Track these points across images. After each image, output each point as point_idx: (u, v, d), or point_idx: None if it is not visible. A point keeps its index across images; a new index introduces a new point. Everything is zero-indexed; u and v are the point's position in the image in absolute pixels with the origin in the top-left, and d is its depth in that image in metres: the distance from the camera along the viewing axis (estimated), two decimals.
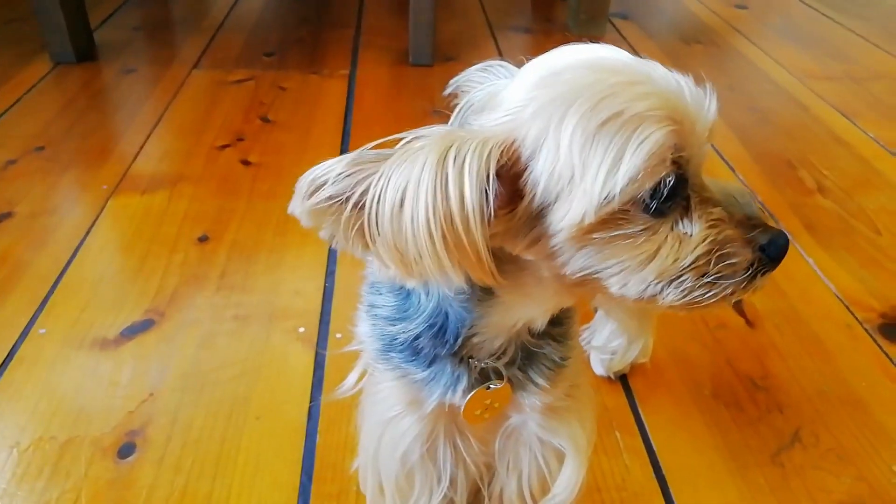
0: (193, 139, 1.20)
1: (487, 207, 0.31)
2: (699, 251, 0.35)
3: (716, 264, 0.35)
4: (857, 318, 0.86)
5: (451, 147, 0.31)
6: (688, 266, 0.35)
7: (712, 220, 0.36)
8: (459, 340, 0.42)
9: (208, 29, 1.69)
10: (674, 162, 0.33)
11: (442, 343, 0.42)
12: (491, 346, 0.43)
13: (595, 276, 0.35)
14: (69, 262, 0.90)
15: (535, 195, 0.33)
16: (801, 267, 0.95)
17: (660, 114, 0.33)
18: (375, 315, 0.45)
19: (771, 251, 0.36)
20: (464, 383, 0.44)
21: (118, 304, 0.83)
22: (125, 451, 0.66)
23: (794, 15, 1.99)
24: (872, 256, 0.98)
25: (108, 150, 1.16)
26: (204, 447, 0.66)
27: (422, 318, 0.42)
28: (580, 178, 0.32)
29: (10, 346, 0.76)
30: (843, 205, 1.09)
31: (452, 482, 0.53)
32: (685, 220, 0.36)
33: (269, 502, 0.62)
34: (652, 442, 0.69)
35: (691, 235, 0.35)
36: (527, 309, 0.41)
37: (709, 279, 0.35)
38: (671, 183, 0.33)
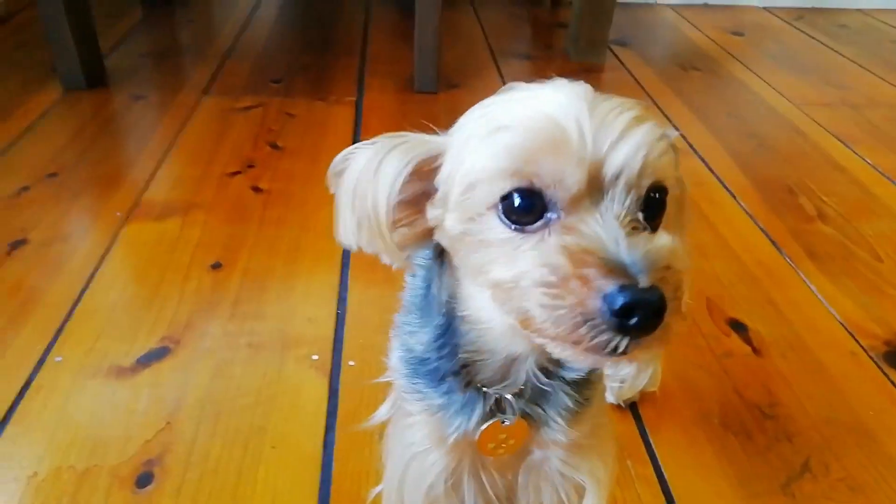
0: (204, 166, 1.22)
1: (393, 194, 0.39)
2: (532, 270, 0.33)
3: (548, 294, 0.32)
4: (861, 346, 0.87)
5: (394, 146, 0.39)
6: (528, 284, 0.33)
7: (562, 246, 0.33)
8: (459, 355, 0.44)
9: (215, 56, 1.71)
10: (529, 180, 0.34)
11: (444, 355, 0.44)
12: (489, 368, 0.44)
13: (478, 279, 0.38)
14: (84, 290, 0.91)
15: (437, 192, 0.40)
16: (805, 294, 0.97)
17: (522, 133, 0.34)
18: (403, 333, 0.48)
19: (618, 310, 0.30)
20: (478, 412, 0.45)
21: (133, 332, 0.84)
22: (143, 480, 0.66)
23: (789, 42, 2.03)
24: (874, 283, 0.99)
25: (121, 177, 1.18)
26: (221, 477, 0.67)
27: (432, 327, 0.45)
28: (454, 177, 0.38)
29: (28, 375, 0.77)
30: (844, 231, 1.11)
31: None
32: (544, 243, 0.34)
33: None
34: (663, 471, 0.70)
35: (535, 255, 0.34)
36: (497, 333, 0.42)
37: (549, 311, 0.33)
38: (521, 198, 0.34)
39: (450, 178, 0.38)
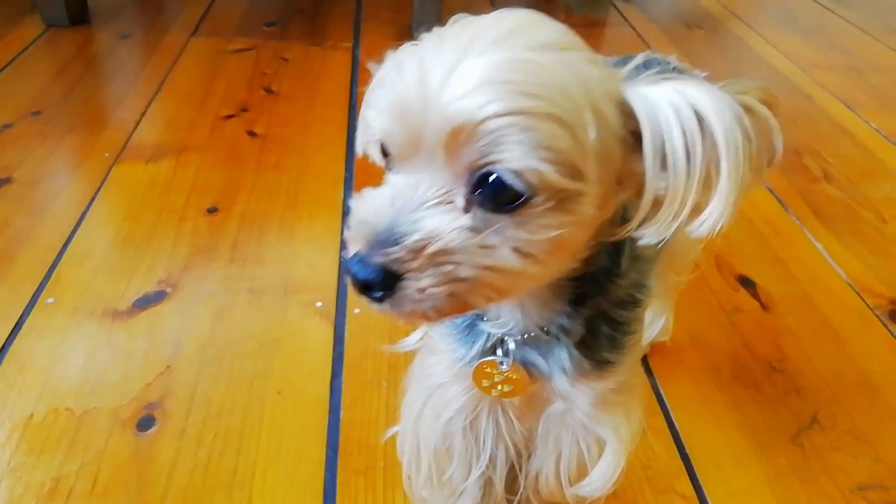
0: (196, 108, 1.17)
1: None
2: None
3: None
4: (867, 304, 0.87)
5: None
6: None
7: (359, 199, 0.35)
8: None
9: None
10: (382, 132, 0.34)
11: None
12: None
13: None
14: (74, 231, 0.87)
15: None
16: (811, 253, 0.96)
17: (391, 85, 0.33)
18: None
19: (347, 272, 0.33)
20: (478, 347, 0.44)
21: (128, 274, 0.81)
22: (144, 423, 0.64)
23: (792, 4, 2.00)
24: (880, 244, 0.99)
25: (108, 117, 1.13)
26: (226, 421, 0.65)
27: None
28: None
29: (19, 315, 0.74)
30: (849, 193, 1.11)
31: (492, 460, 0.52)
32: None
33: (295, 476, 0.61)
34: (675, 421, 0.69)
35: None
36: None
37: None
38: (384, 147, 0.35)
39: None
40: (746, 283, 0.89)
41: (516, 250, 0.32)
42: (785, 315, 0.85)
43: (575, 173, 0.31)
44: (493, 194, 0.31)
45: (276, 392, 0.68)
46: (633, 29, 1.67)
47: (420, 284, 0.31)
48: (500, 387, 0.45)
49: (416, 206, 0.32)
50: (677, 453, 0.66)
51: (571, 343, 0.42)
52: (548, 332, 0.42)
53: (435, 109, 0.30)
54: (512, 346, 0.43)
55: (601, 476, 0.50)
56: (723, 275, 0.90)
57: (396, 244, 0.31)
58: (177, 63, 1.31)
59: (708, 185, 0.32)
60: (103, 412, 0.65)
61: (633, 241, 0.41)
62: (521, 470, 0.55)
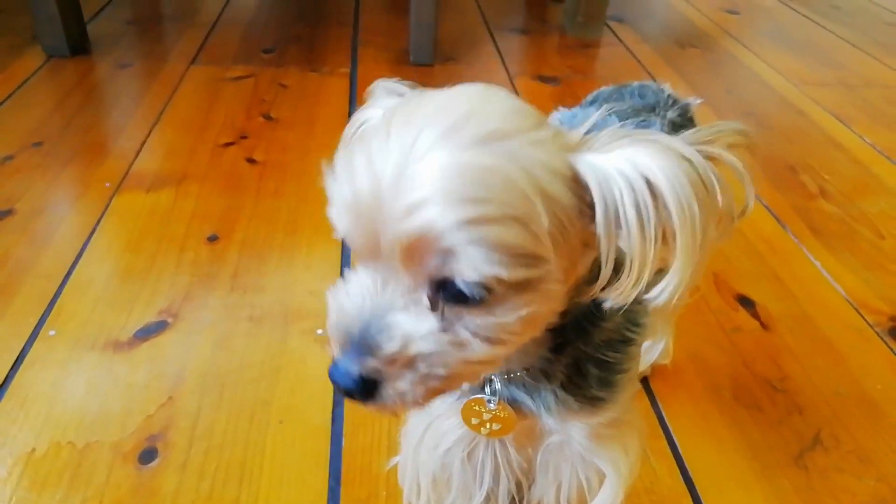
0: (196, 136, 1.18)
1: None
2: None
3: None
4: (866, 321, 0.87)
5: None
6: None
7: (334, 293, 0.36)
8: None
9: (203, 25, 1.66)
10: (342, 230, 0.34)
11: None
12: None
13: None
14: (76, 262, 0.87)
15: None
16: (809, 270, 0.96)
17: (342, 182, 0.32)
18: None
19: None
20: (466, 385, 0.44)
21: (130, 305, 0.81)
22: (146, 456, 0.64)
23: (784, 21, 2.02)
24: (877, 260, 0.99)
25: (109, 147, 1.14)
26: (228, 451, 0.65)
27: None
28: None
29: (21, 347, 0.74)
30: (846, 209, 1.11)
31: (493, 490, 0.53)
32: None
33: None
34: (677, 445, 0.69)
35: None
36: None
37: None
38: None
39: None
40: (745, 302, 0.89)
41: (487, 339, 0.33)
42: (784, 333, 0.85)
43: (533, 260, 0.31)
44: (456, 295, 0.31)
45: (278, 421, 0.68)
46: (628, 49, 1.68)
47: (398, 388, 0.33)
48: (489, 425, 0.45)
49: (385, 309, 0.33)
50: (680, 477, 0.66)
51: (556, 385, 0.43)
52: (532, 374, 0.43)
53: (388, 220, 0.30)
54: (499, 385, 0.44)
55: None
56: (722, 294, 0.90)
57: (372, 353, 0.33)
58: (176, 92, 1.33)
59: (667, 249, 0.32)
60: (105, 445, 0.65)
61: None
62: (521, 500, 0.55)
